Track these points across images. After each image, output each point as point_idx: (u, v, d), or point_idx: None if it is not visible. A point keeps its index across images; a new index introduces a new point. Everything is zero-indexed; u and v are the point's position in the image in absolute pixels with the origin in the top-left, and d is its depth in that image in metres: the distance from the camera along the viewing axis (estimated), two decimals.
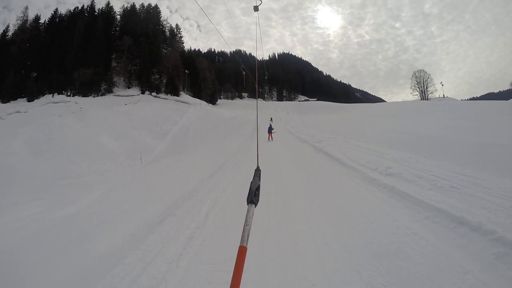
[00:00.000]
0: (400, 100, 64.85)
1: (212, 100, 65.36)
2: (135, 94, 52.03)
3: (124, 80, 56.05)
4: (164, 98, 50.63)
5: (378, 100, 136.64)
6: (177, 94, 54.28)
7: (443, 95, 64.65)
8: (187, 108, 41.60)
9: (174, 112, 37.91)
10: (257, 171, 1.42)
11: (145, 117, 35.23)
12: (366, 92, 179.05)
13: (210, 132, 28.62)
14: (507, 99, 37.08)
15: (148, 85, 54.49)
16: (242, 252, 0.93)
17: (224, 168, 9.87)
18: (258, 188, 1.22)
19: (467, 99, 71.80)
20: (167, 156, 21.59)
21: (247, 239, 0.98)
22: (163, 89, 55.29)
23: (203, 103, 51.15)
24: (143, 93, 52.67)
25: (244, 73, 17.56)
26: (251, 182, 1.25)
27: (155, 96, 51.68)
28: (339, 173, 6.88)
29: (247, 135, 24.48)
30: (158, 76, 56.54)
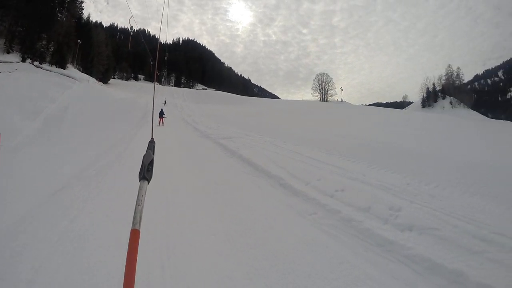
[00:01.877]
0: (299, 99, 74.35)
1: (104, 79, 65.74)
2: (13, 61, 47.05)
3: (4, 44, 50.01)
4: (48, 70, 47.52)
5: (274, 97, 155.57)
6: (63, 67, 52.12)
7: (341, 99, 76.08)
8: (71, 84, 39.80)
9: (55, 86, 36.08)
10: (151, 143, 1.45)
11: (18, 90, 30.87)
12: (263, 88, 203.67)
13: (93, 114, 26.83)
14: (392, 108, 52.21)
15: (31, 52, 51.02)
16: (134, 235, 0.93)
17: (81, 178, 6.70)
18: (151, 163, 1.23)
19: (365, 104, 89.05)
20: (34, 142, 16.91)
21: (140, 221, 0.97)
22: (48, 58, 52.42)
23: (93, 80, 50.57)
24: (23, 60, 48.85)
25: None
26: (144, 155, 1.25)
27: (37, 66, 48.38)
28: (295, 218, 4.75)
29: (136, 121, 23.23)
30: (45, 43, 53.01)
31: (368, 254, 3.54)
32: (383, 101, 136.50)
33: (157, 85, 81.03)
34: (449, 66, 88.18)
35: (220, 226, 4.20)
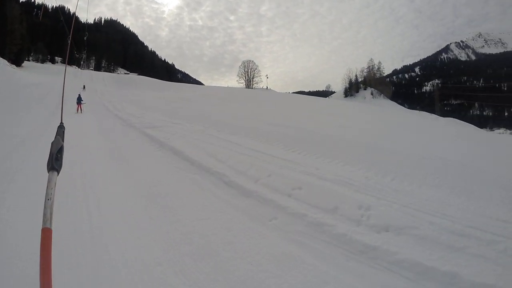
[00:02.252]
0: (223, 85, 73.84)
1: (17, 61, 62.21)
2: None
3: None
4: None
5: (198, 83, 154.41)
6: None
7: (266, 87, 77.43)
8: None
9: None
10: (60, 128, 1.39)
11: None
12: (187, 74, 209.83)
13: None
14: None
15: None
16: (46, 235, 0.87)
17: None
18: (60, 150, 1.18)
19: (290, 92, 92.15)
20: None
21: (51, 218, 0.91)
22: None
23: (3, 62, 46.63)
24: None
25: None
26: (52, 142, 1.20)
27: None
28: (255, 227, 4.11)
29: (51, 109, 20.53)
30: None
31: (352, 264, 3.18)
32: (306, 90, 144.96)
33: (76, 69, 78.31)
34: (371, 59, 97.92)
35: (164, 257, 3.26)
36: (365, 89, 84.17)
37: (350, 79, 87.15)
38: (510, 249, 3.33)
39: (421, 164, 7.21)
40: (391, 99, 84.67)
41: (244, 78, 79.07)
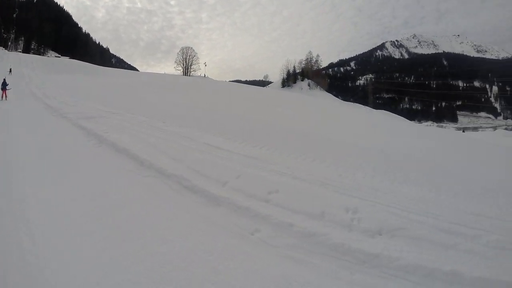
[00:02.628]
0: (159, 72, 69.70)
1: None
2: None
3: None
4: None
5: (133, 69, 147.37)
6: None
7: (204, 75, 75.53)
8: None
9: None
10: None
11: None
12: (122, 59, 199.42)
13: None
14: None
15: None
16: None
17: None
18: None
19: (228, 81, 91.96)
20: None
21: None
22: None
23: None
24: None
25: None
26: None
27: None
28: (236, 243, 3.75)
29: None
30: None
31: (358, 277, 3.12)
32: (243, 79, 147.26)
33: (3, 50, 73.13)
34: (310, 52, 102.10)
35: None
36: (302, 80, 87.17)
37: (288, 70, 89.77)
38: (491, 241, 3.71)
39: (380, 158, 7.76)
40: (327, 91, 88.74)
41: (182, 65, 77.57)
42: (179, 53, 79.45)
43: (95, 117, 10.39)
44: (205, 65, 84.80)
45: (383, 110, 48.46)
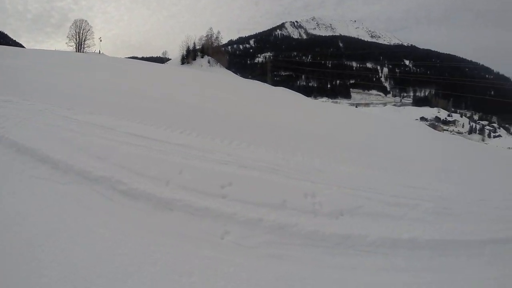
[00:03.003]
0: (50, 49, 59.20)
1: None
2: None
3: None
4: None
5: (19, 45, 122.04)
6: None
7: (99, 51, 67.97)
8: None
9: None
10: None
11: None
12: (6, 34, 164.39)
13: None
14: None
15: None
16: None
17: None
18: None
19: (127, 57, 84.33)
20: None
21: None
22: None
23: None
24: None
25: None
26: None
27: None
28: (209, 254, 3.54)
29: None
30: None
31: (339, 260, 3.53)
32: (139, 56, 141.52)
33: None
34: (210, 28, 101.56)
35: None
36: (202, 57, 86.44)
37: (188, 46, 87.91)
38: (428, 208, 4.66)
39: (309, 139, 8.32)
40: (227, 68, 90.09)
41: (75, 40, 70.55)
42: (72, 26, 71.72)
43: None
44: (100, 40, 78.42)
45: (282, 87, 50.87)
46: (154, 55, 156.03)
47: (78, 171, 4.88)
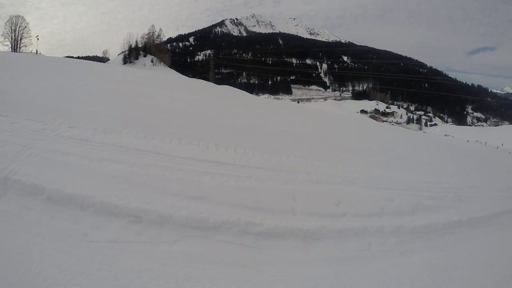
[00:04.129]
0: None
1: None
2: None
3: None
4: None
5: None
6: None
7: (37, 51, 62.04)
8: None
9: None
10: None
11: None
12: None
13: None
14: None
15: None
16: None
17: None
18: None
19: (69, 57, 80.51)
20: None
21: None
22: None
23: None
24: None
25: None
26: None
27: None
28: None
29: None
30: None
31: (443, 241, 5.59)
32: (75, 55, 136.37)
33: None
34: (152, 26, 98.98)
35: None
36: (145, 56, 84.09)
37: (130, 45, 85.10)
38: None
39: (337, 146, 9.38)
40: (170, 67, 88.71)
41: (10, 38, 64.90)
42: (7, 23, 65.59)
43: None
44: (38, 39, 72.77)
45: (226, 85, 51.51)
46: (91, 54, 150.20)
47: (183, 222, 4.55)
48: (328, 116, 23.95)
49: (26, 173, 4.99)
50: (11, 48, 64.54)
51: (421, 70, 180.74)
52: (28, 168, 5.15)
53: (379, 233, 4.72)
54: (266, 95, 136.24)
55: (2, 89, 10.78)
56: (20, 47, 65.71)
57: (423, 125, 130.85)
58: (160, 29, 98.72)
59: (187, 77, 74.32)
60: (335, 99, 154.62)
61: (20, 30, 67.70)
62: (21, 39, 67.32)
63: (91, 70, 27.39)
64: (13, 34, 66.72)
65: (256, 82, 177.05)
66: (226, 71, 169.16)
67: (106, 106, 10.48)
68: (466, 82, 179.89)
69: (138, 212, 4.44)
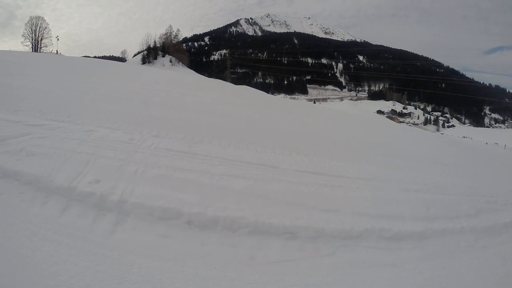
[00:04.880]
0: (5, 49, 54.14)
1: None
2: None
3: None
4: None
5: None
6: None
7: (57, 51, 63.73)
8: None
9: None
10: None
11: None
12: None
13: None
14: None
15: None
16: None
17: None
18: None
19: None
20: None
21: None
22: None
23: None
24: None
25: None
26: None
27: None
28: None
29: None
30: None
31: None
32: (91, 55, 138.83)
33: None
34: (170, 26, 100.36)
35: None
36: (163, 56, 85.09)
37: (149, 45, 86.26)
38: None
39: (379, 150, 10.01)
40: (188, 67, 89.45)
41: (31, 39, 66.17)
42: (27, 24, 66.85)
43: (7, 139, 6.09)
44: (58, 39, 73.76)
45: (244, 85, 52.08)
46: (107, 54, 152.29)
47: (334, 233, 4.84)
48: (358, 119, 24.36)
49: (145, 194, 4.76)
50: (32, 48, 65.71)
51: (438, 70, 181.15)
52: (143, 187, 4.93)
53: (461, 232, 5.54)
54: (282, 95, 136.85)
55: (47, 91, 10.97)
56: (40, 47, 66.61)
57: (441, 126, 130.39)
58: (178, 29, 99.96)
59: (210, 78, 75.05)
60: (351, 99, 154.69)
61: (41, 31, 68.64)
62: (41, 40, 68.30)
63: (119, 70, 28.12)
64: (33, 35, 67.89)
65: (272, 81, 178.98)
66: (242, 70, 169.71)
67: (168, 111, 10.59)
68: (483, 82, 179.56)
69: (293, 229, 4.60)
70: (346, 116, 27.16)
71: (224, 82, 51.91)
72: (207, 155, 6.52)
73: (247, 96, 24.05)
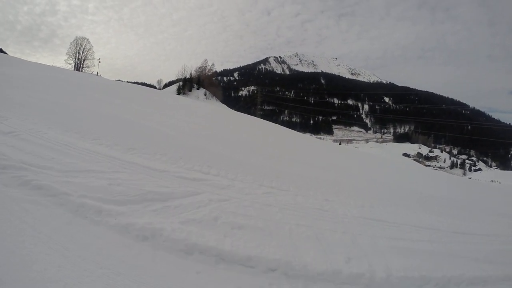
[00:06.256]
0: (42, 63, 57.07)
1: None
2: None
3: None
4: None
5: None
6: None
7: (97, 73, 67.76)
8: None
9: None
10: None
11: None
12: None
13: None
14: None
15: None
16: None
17: None
18: None
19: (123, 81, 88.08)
20: None
21: None
22: None
23: None
24: None
25: None
26: None
27: None
28: None
29: None
30: None
31: None
32: (124, 79, 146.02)
33: None
34: (205, 60, 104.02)
35: None
36: (198, 88, 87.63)
37: (185, 77, 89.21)
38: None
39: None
40: (221, 102, 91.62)
41: (74, 58, 69.24)
42: (73, 43, 69.94)
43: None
44: (99, 62, 76.74)
45: (274, 123, 52.88)
46: (139, 80, 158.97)
47: None
48: (395, 164, 24.26)
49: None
50: (74, 67, 68.45)
51: (463, 111, 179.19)
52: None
53: None
54: (308, 134, 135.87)
55: (136, 124, 10.55)
56: (83, 67, 68.96)
57: (467, 170, 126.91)
58: (213, 64, 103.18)
59: (248, 115, 75.84)
60: (376, 141, 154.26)
61: (84, 52, 71.48)
62: (84, 60, 71.10)
63: (174, 102, 26.45)
64: (77, 54, 70.74)
65: (298, 120, 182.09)
66: (269, 108, 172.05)
67: (267, 160, 10.05)
68: (510, 123, 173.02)
69: None
70: (383, 160, 27.78)
71: (255, 118, 52.77)
72: (402, 223, 6.23)
73: (312, 141, 24.07)
